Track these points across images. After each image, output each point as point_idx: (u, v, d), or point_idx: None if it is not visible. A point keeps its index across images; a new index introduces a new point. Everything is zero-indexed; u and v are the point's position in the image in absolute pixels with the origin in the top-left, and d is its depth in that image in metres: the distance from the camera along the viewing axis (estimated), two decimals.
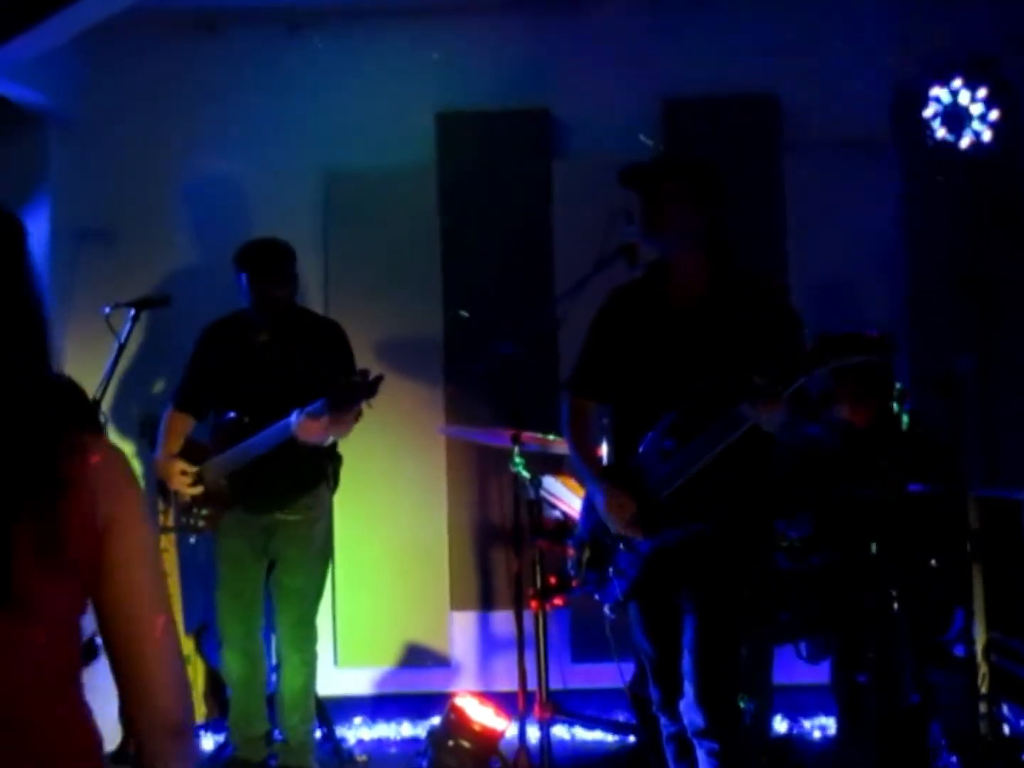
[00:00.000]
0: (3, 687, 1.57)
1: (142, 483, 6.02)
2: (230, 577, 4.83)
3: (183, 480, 4.79)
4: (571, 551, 3.89)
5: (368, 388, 4.30)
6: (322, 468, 4.83)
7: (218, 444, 4.79)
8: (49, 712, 1.61)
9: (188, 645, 5.27)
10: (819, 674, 4.71)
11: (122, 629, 1.66)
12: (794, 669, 4.76)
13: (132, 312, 4.83)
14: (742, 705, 3.88)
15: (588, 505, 3.77)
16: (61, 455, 1.59)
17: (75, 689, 1.66)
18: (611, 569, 3.64)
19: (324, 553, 4.91)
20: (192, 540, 4.96)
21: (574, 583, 4.58)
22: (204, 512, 4.80)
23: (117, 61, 5.88)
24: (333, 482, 4.91)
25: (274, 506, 4.75)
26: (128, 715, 1.68)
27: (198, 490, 4.78)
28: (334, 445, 4.86)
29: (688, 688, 3.52)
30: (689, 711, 3.53)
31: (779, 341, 3.44)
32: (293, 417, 4.49)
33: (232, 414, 4.77)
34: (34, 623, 1.58)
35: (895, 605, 4.29)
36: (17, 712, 1.57)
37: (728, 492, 3.47)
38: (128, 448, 5.43)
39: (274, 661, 4.94)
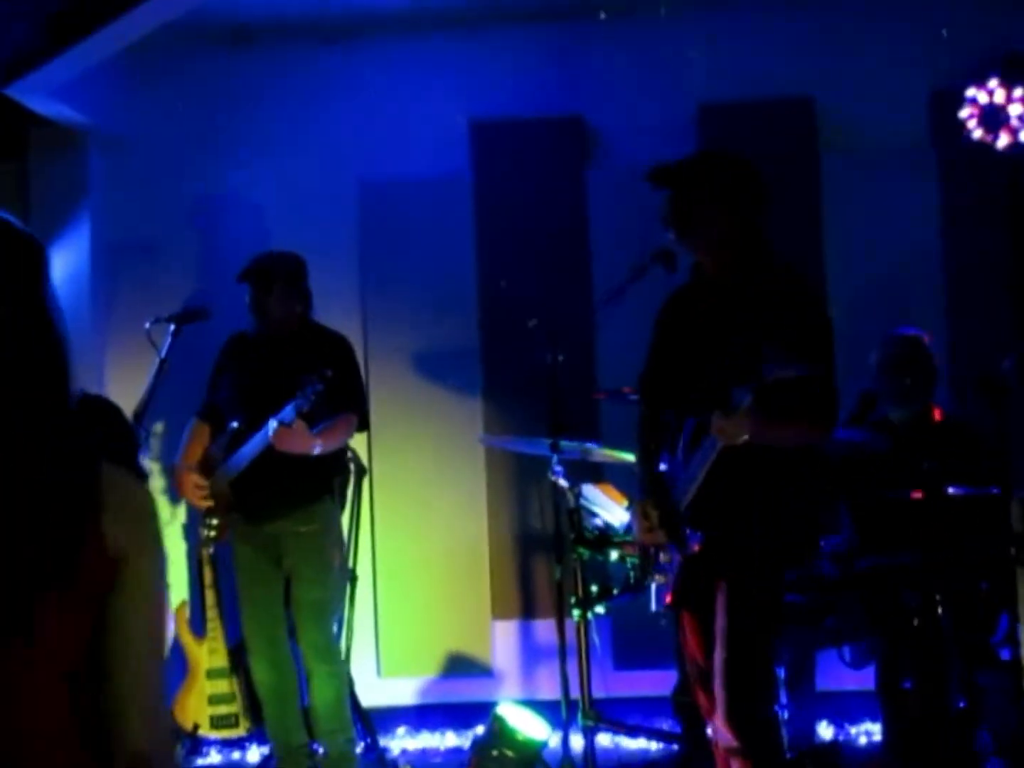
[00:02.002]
0: (1, 730, 1.48)
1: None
2: (245, 586, 4.86)
3: (196, 493, 4.83)
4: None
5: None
6: (325, 482, 4.81)
7: (223, 454, 4.84)
8: (48, 760, 1.52)
9: (227, 660, 5.29)
10: (864, 680, 4.67)
11: (111, 659, 1.57)
12: (839, 675, 4.73)
13: (172, 327, 4.88)
14: (784, 714, 3.85)
15: None
16: (81, 488, 1.53)
17: (76, 735, 1.55)
18: (656, 577, 3.64)
19: (336, 565, 4.85)
20: (210, 551, 5.06)
21: (614, 590, 4.61)
22: (214, 522, 4.84)
23: (154, 77, 5.92)
24: (340, 498, 4.89)
25: (273, 516, 4.75)
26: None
27: (208, 503, 4.82)
28: (339, 459, 4.86)
29: (717, 706, 3.45)
30: (720, 730, 3.46)
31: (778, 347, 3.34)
32: (270, 426, 4.53)
33: (234, 424, 4.81)
34: (38, 660, 1.50)
35: (939, 609, 4.25)
36: (15, 759, 1.48)
37: (737, 500, 3.42)
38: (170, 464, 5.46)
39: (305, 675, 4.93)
